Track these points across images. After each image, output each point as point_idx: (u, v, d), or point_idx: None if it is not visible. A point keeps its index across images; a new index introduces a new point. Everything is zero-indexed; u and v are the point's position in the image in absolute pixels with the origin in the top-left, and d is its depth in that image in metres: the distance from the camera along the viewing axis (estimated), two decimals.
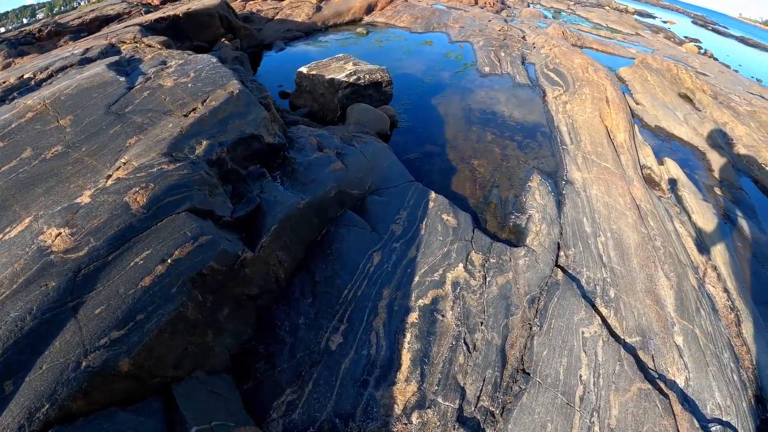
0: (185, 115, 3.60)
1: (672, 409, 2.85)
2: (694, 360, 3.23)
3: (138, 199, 2.67)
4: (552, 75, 8.03)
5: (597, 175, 4.84)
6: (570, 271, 3.71)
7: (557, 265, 3.75)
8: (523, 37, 12.35)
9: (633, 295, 3.56)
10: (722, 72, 12.88)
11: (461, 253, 3.73)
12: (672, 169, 5.45)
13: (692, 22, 39.69)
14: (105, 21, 8.28)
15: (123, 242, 2.47)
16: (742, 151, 6.68)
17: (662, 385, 3.02)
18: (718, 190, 5.48)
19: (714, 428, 2.92)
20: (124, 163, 2.95)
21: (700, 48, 20.08)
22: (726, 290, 3.93)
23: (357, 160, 4.49)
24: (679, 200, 4.94)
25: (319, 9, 11.67)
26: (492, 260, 3.72)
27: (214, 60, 4.49)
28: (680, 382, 3.10)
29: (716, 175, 5.87)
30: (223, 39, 8.07)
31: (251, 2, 11.78)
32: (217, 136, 3.56)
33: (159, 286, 2.35)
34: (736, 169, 6.19)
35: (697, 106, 8.30)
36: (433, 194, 4.33)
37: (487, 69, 8.53)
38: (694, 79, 9.27)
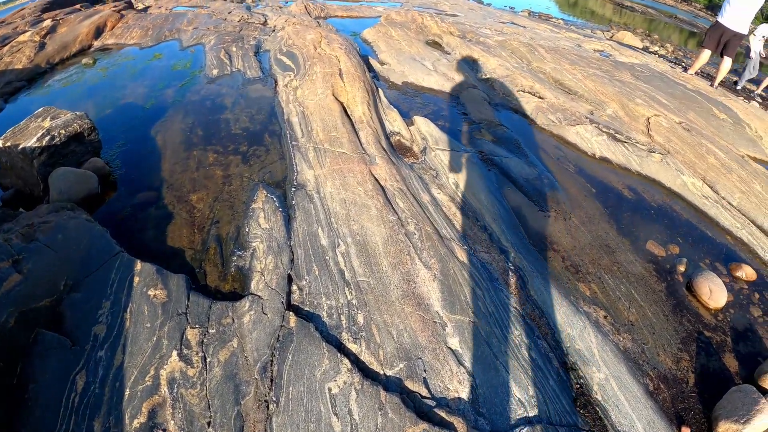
0: None
1: None
2: (477, 360, 2.93)
3: None
4: (285, 59, 7.70)
5: (331, 167, 4.48)
6: (306, 309, 3.21)
7: (289, 308, 3.19)
8: (265, 22, 12.16)
9: (388, 309, 3.17)
10: (473, 9, 14.08)
11: (174, 335, 3.02)
12: (422, 126, 5.41)
13: None
14: None
15: None
16: (497, 83, 7.00)
17: (443, 414, 2.63)
18: (477, 134, 5.52)
19: None
20: None
21: None
22: (503, 250, 3.79)
23: (42, 258, 3.60)
24: (433, 161, 4.77)
25: (42, 47, 10.27)
26: (212, 331, 3.06)
27: None
28: (466, 395, 2.76)
29: (473, 117, 6.02)
30: None
31: None
32: None
33: None
34: (493, 104, 6.43)
35: (446, 50, 8.73)
36: (138, 265, 3.56)
37: (215, 72, 7.93)
38: (439, 23, 9.77)
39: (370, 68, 7.78)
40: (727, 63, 8.88)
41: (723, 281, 3.85)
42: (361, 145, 4.89)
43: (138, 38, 10.95)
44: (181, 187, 5.01)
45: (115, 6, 13.66)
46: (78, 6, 16.22)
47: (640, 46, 15.47)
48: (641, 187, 5.09)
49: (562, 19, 20.29)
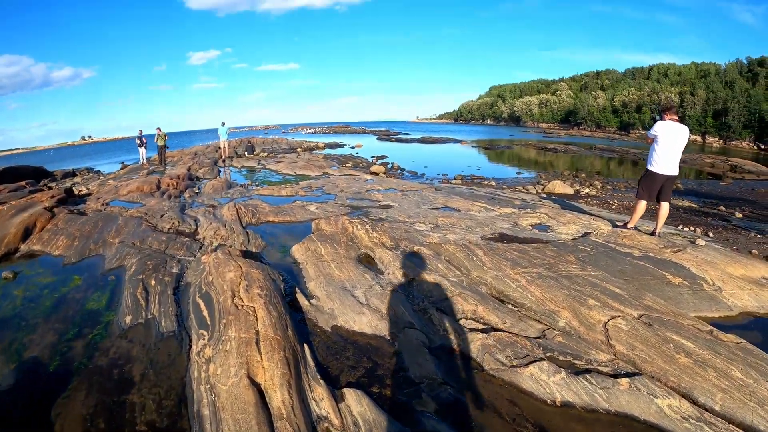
0: None
1: None
2: None
3: None
4: (202, 305, 7.21)
5: None
6: None
7: None
8: (195, 230, 12.06)
9: None
10: (406, 194, 14.52)
11: None
12: (354, 406, 4.92)
13: (377, 139, 49.88)
14: None
15: None
16: (436, 315, 6.74)
17: None
18: (417, 403, 5.10)
19: None
20: None
21: (387, 164, 23.50)
22: None
23: None
24: None
25: None
26: None
27: None
28: None
29: (412, 374, 5.62)
30: None
31: None
32: None
33: None
34: (434, 349, 6.05)
35: (379, 267, 8.48)
36: None
37: (128, 319, 7.31)
38: (371, 233, 9.77)
39: (297, 307, 7.41)
40: (665, 208, 9.22)
41: None
42: None
43: (63, 249, 10.59)
44: None
45: (52, 195, 14.09)
46: (23, 183, 16.63)
47: (572, 192, 16.76)
48: None
49: (494, 179, 21.48)
